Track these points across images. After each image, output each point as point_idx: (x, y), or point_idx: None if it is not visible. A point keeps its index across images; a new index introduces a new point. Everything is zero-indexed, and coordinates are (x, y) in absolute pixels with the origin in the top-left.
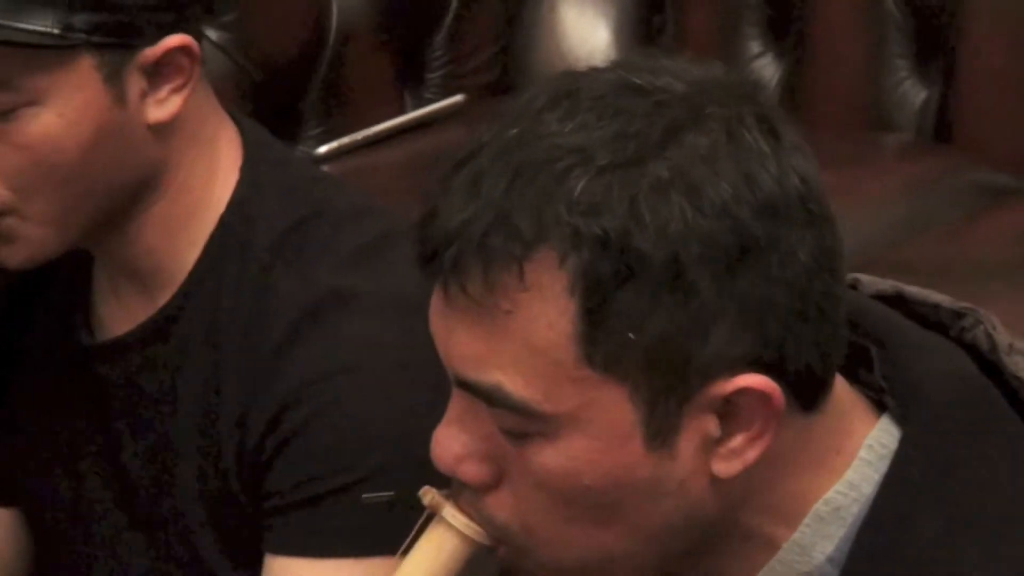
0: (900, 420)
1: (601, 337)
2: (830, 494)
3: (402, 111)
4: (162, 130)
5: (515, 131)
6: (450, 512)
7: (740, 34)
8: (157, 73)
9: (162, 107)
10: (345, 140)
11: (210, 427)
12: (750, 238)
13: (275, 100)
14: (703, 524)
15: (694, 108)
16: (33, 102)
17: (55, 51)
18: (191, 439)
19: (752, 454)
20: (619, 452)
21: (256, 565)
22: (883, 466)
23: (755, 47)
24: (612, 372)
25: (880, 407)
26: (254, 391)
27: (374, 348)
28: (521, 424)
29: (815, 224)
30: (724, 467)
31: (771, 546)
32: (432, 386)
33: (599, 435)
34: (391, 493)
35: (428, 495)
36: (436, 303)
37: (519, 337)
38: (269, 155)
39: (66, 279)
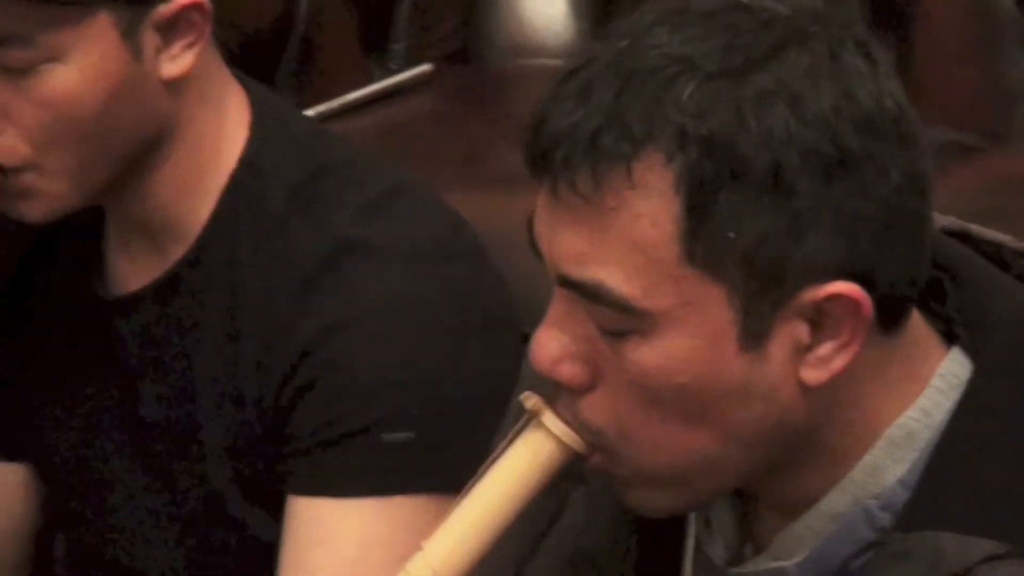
0: (971, 352)
1: (703, 236)
2: (903, 419)
3: (368, 81)
4: (175, 86)
5: (625, 43)
6: (549, 418)
7: None
8: (171, 29)
9: (175, 63)
10: (322, 108)
11: (230, 376)
12: (847, 150)
13: (249, 72)
14: (790, 434)
15: (798, 28)
16: (52, 58)
17: (74, 7)
18: (210, 389)
19: (839, 363)
20: (713, 352)
21: (278, 508)
22: (955, 395)
23: None
24: (711, 271)
25: (949, 339)
26: (273, 340)
27: (389, 295)
28: (619, 322)
29: (907, 146)
30: (812, 375)
31: (844, 465)
32: (446, 330)
33: (695, 334)
34: (410, 434)
35: (530, 400)
36: (542, 205)
37: (623, 234)
38: (275, 112)
39: (78, 235)
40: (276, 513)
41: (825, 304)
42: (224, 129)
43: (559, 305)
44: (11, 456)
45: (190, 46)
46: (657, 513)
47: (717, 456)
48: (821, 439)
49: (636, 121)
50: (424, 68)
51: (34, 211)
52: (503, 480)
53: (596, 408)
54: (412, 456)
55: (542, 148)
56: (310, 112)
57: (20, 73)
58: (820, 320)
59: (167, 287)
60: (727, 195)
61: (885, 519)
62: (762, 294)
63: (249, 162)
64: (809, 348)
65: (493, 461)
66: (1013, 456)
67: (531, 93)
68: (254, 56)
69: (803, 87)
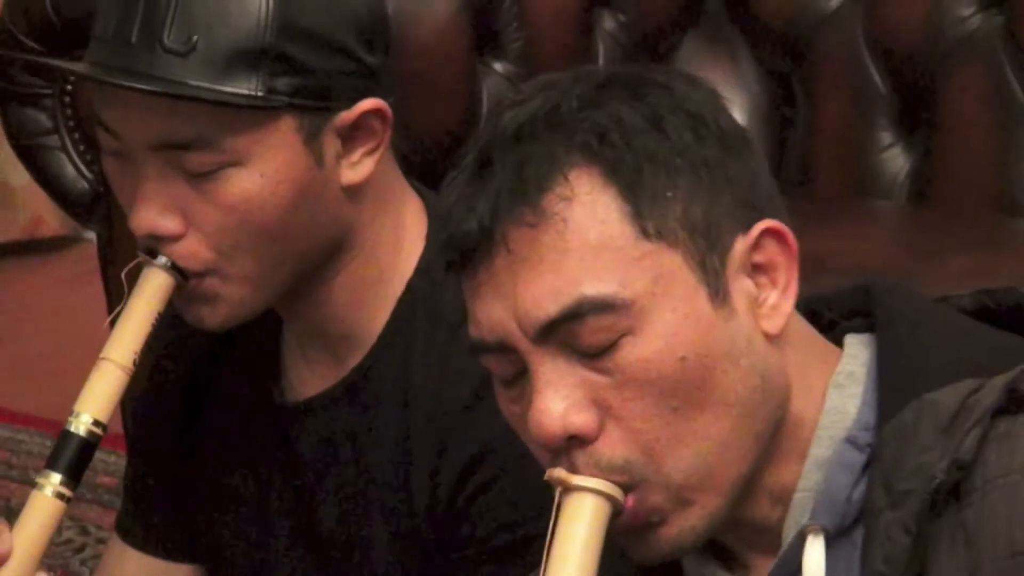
0: (868, 326)
1: (645, 208)
2: (839, 367)
3: None
4: (354, 192)
5: (487, 137)
6: (580, 478)
7: (872, 125)
8: (352, 136)
9: (355, 169)
10: None
11: (402, 483)
12: (735, 130)
13: (425, 181)
14: (775, 392)
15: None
16: (236, 162)
17: (258, 113)
18: (383, 496)
19: (786, 306)
20: (695, 316)
21: None
22: (871, 346)
23: (886, 138)
24: (664, 238)
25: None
26: (446, 445)
27: None
28: (608, 329)
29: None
30: (770, 324)
31: (807, 430)
32: None
33: (675, 305)
34: None
35: (554, 472)
36: (490, 286)
37: (582, 243)
38: None
39: (255, 341)
40: None
41: (756, 255)
42: (402, 237)
43: (542, 368)
44: (182, 557)
45: (370, 153)
46: (694, 544)
47: (728, 432)
48: (790, 415)
49: (547, 146)
50: None
51: (214, 317)
52: (566, 554)
53: (613, 442)
54: None
55: (477, 228)
56: None
57: (203, 177)
58: (757, 273)
59: (343, 394)
60: (648, 166)
61: (867, 436)
62: (709, 251)
63: (425, 270)
64: (759, 303)
65: (550, 545)
66: (943, 335)
67: None
68: (430, 165)
69: (667, 83)
